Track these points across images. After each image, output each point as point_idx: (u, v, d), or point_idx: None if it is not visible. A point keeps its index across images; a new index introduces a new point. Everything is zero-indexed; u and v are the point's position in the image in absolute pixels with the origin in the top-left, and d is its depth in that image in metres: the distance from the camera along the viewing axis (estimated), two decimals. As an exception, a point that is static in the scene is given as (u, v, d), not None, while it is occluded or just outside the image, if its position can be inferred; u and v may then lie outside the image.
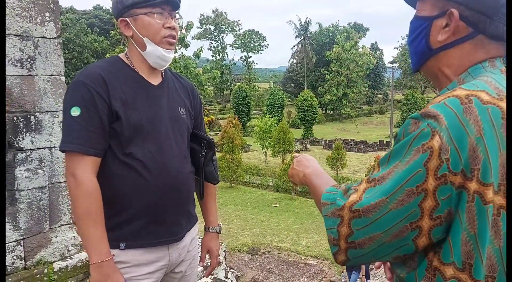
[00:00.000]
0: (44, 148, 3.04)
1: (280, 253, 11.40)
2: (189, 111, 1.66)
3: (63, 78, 3.20)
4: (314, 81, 58.65)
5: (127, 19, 1.50)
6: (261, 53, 67.99)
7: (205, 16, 61.39)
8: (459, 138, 0.76)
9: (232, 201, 17.64)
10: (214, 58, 61.76)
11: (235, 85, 54.07)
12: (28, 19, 2.95)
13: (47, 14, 3.08)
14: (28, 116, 2.94)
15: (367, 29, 70.92)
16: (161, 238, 1.53)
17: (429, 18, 0.93)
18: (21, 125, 2.90)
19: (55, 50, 3.13)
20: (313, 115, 39.04)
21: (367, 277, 7.77)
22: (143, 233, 1.49)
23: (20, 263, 2.90)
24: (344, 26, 62.84)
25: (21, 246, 2.90)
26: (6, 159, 2.83)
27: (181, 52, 35.23)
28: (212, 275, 3.79)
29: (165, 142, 1.52)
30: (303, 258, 11.11)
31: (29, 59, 2.95)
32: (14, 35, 2.86)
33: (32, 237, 2.97)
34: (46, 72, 3.07)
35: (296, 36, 61.14)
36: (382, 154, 25.36)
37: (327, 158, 22.31)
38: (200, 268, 3.73)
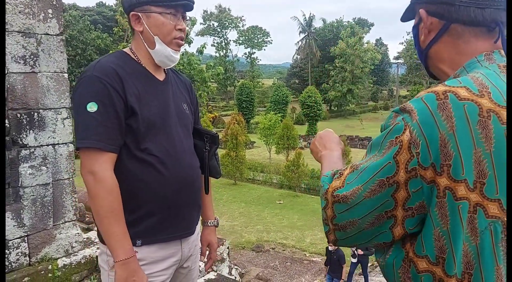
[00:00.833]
0: (47, 145, 3.04)
1: (284, 250, 11.40)
2: (190, 107, 1.68)
3: (66, 75, 3.20)
4: (319, 77, 58.44)
5: (140, 14, 1.47)
6: (264, 49, 67.87)
7: (209, 12, 61.27)
8: (430, 134, 0.77)
9: (236, 198, 17.65)
10: (217, 55, 61.68)
11: (239, 81, 54.05)
12: (31, 16, 2.94)
13: (50, 11, 3.07)
14: (32, 113, 2.94)
15: (372, 24, 70.49)
16: (175, 233, 1.54)
17: (416, 25, 0.99)
18: (25, 122, 2.90)
19: (58, 47, 3.13)
20: (318, 111, 38.93)
21: None
22: (159, 228, 1.48)
23: (25, 260, 2.91)
24: (348, 21, 62.48)
25: (25, 242, 2.91)
26: (10, 156, 2.83)
27: (185, 49, 35.33)
28: (216, 271, 3.79)
29: (175, 137, 1.53)
30: (307, 255, 11.11)
31: (32, 56, 2.94)
32: (17, 32, 2.86)
33: (36, 233, 2.98)
34: (49, 69, 3.07)
35: (300, 32, 60.90)
36: (387, 150, 25.28)
37: (331, 154, 22.23)
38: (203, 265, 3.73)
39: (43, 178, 2.97)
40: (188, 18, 1.64)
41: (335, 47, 51.59)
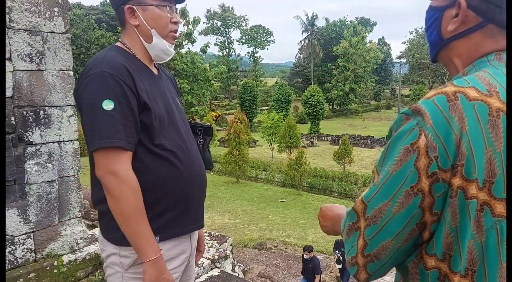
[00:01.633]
0: (53, 142, 3.07)
1: (286, 248, 11.42)
2: (180, 101, 1.68)
3: (71, 72, 3.22)
4: (321, 77, 58.37)
5: (135, 7, 1.44)
6: (267, 49, 68.19)
7: (212, 12, 61.29)
8: (446, 136, 0.76)
9: (239, 196, 17.68)
10: (220, 54, 61.69)
11: (242, 80, 54.02)
12: (37, 14, 2.97)
13: (56, 9, 3.10)
14: (38, 110, 2.97)
15: (375, 24, 70.34)
16: (188, 226, 1.54)
17: (440, 8, 0.93)
18: (31, 119, 2.93)
19: (63, 45, 3.15)
20: (320, 110, 38.90)
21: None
22: (175, 223, 1.48)
23: (30, 256, 2.94)
24: (351, 21, 62.36)
25: (31, 239, 2.94)
26: (16, 153, 2.86)
27: (188, 48, 35.37)
28: (220, 268, 3.81)
29: (182, 131, 1.53)
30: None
31: (38, 54, 2.97)
32: (23, 30, 2.88)
33: (42, 230, 3.00)
34: (55, 66, 3.09)
35: (303, 31, 60.83)
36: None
37: (334, 153, 22.26)
38: (208, 262, 3.76)
39: (48, 174, 3.00)
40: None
41: (338, 47, 51.53)
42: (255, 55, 63.39)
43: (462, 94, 0.79)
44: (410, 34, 62.44)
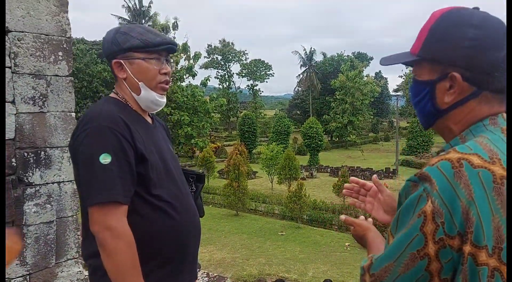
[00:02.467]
0: (53, 183, 3.10)
1: (286, 284, 11.18)
2: (172, 148, 1.68)
3: (73, 114, 3.29)
4: (320, 109, 58.93)
5: (122, 61, 1.46)
6: (267, 81, 68.85)
7: (213, 47, 62.62)
8: (451, 202, 0.78)
9: (238, 229, 17.45)
10: (221, 86, 62.57)
11: (241, 112, 54.48)
12: (42, 59, 3.07)
13: (60, 53, 3.21)
14: (39, 152, 3.02)
15: (371, 58, 71.71)
16: (185, 278, 1.51)
17: (430, 82, 0.95)
18: (31, 161, 2.97)
19: (66, 87, 3.24)
20: (319, 142, 39.02)
21: None
22: (172, 276, 1.45)
23: (26, 299, 2.90)
24: (348, 55, 63.72)
25: (27, 281, 2.92)
26: (15, 194, 2.88)
27: (189, 81, 35.98)
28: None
29: (177, 180, 1.53)
30: (310, 289, 10.88)
31: (41, 97, 3.05)
32: (28, 74, 2.98)
33: (38, 272, 2.98)
34: (57, 108, 3.16)
35: (301, 65, 61.90)
36: (389, 181, 25.13)
37: (333, 185, 22.14)
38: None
39: (47, 216, 3.01)
40: (172, 60, 1.64)
41: (336, 80, 52.31)
42: (255, 88, 64.31)
43: (466, 161, 0.81)
44: (406, 68, 63.55)
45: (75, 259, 3.25)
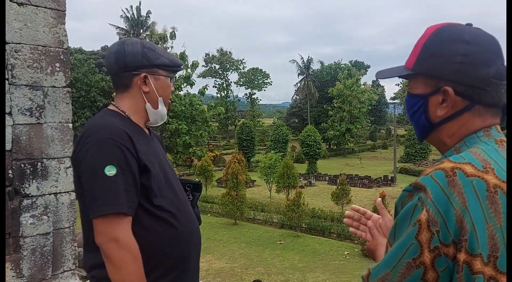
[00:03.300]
0: (49, 194, 3.09)
1: (285, 294, 11.10)
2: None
3: (70, 125, 3.30)
4: (317, 117, 59.11)
5: (148, 75, 1.53)
6: (264, 90, 69.15)
7: (210, 56, 62.84)
8: (445, 211, 0.80)
9: (237, 238, 17.38)
10: (219, 95, 62.69)
11: (240, 121, 54.58)
12: (39, 70, 3.08)
13: (58, 64, 3.22)
14: (35, 163, 3.01)
15: (368, 66, 72.13)
16: None
17: (424, 95, 0.97)
18: (28, 172, 2.97)
19: (63, 98, 3.25)
20: (317, 150, 39.05)
21: None
22: None
23: (21, 311, 2.88)
24: (345, 64, 64.09)
25: (23, 293, 2.90)
26: (12, 206, 2.88)
27: (187, 90, 36.03)
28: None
29: (177, 190, 1.56)
30: (309, 299, 10.80)
31: (38, 108, 3.05)
32: (25, 85, 2.99)
33: (34, 284, 2.96)
34: (54, 119, 3.17)
35: (299, 74, 62.14)
36: (387, 189, 25.10)
37: (331, 193, 22.12)
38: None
39: (43, 227, 3.00)
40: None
41: (333, 88, 52.56)
42: (253, 96, 64.47)
43: (460, 170, 0.82)
44: (404, 75, 63.76)
45: (72, 271, 3.23)
